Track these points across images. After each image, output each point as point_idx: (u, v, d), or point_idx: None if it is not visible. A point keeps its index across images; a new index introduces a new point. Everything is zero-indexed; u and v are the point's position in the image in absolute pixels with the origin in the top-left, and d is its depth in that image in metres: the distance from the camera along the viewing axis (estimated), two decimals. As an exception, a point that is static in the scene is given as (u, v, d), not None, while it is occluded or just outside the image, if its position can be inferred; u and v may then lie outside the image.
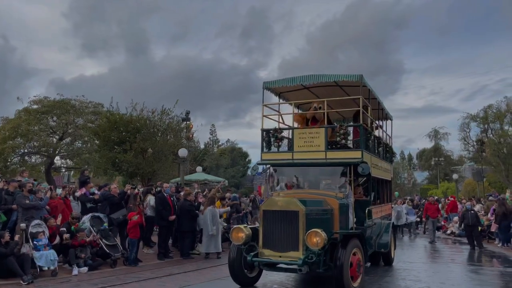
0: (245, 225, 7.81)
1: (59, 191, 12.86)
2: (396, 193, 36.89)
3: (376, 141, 10.78)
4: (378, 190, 11.15)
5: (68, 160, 36.67)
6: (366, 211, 8.92)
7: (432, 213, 18.52)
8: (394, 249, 12.00)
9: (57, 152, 34.29)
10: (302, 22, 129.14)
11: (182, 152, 23.88)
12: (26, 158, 34.44)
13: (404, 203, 22.97)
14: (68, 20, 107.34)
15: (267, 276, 9.21)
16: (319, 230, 7.03)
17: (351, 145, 9.61)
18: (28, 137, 32.32)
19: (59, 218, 10.85)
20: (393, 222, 20.50)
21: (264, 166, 9.72)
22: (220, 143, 66.40)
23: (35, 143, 33.28)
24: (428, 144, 59.98)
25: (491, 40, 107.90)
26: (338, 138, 8.91)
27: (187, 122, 30.42)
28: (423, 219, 21.21)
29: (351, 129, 9.58)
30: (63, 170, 38.65)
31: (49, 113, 33.31)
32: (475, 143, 45.58)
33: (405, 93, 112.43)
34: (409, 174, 54.48)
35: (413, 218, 22.62)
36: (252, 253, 7.79)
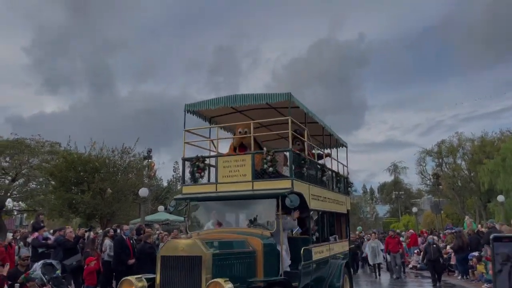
0: (139, 276, 5.76)
1: (9, 235, 12.29)
2: (359, 227, 35.21)
3: (320, 169, 9.07)
4: (325, 224, 9.36)
5: (21, 202, 33.63)
6: (302, 251, 7.02)
7: (392, 247, 16.76)
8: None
9: (9, 194, 31.40)
10: (268, 59, 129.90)
11: (143, 192, 21.75)
12: (-26, 201, 31.29)
13: (377, 237, 20.85)
14: (29, 55, 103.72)
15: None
16: (221, 281, 5.05)
17: (287, 173, 7.85)
18: (-23, 179, 29.54)
19: (6, 267, 9.08)
20: (367, 261, 18.61)
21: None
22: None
23: (-16, 185, 30.44)
24: (389, 178, 59.50)
25: (444, 78, 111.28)
26: (265, 166, 7.13)
27: (149, 161, 28.43)
28: (385, 253, 19.31)
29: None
30: (15, 213, 35.46)
31: (1, 153, 30.70)
32: (431, 177, 45.02)
33: (368, 128, 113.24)
34: (371, 208, 53.18)
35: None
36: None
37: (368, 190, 69.59)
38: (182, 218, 29.87)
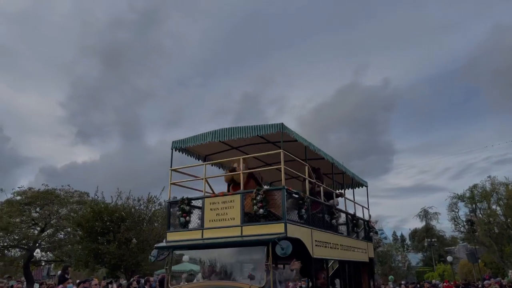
0: None
1: (36, 286, 12.09)
2: (391, 277, 32.43)
3: (327, 211, 7.75)
4: (340, 275, 7.91)
5: (48, 253, 33.13)
6: None
7: None
8: None
9: (37, 244, 31.03)
10: (294, 106, 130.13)
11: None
12: (5, 251, 31.03)
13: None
14: (64, 108, 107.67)
15: None
16: None
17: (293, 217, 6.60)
18: (8, 230, 29.31)
19: None
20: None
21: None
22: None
23: (15, 236, 30.17)
24: (419, 224, 55.69)
25: (474, 119, 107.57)
26: (254, 208, 5.94)
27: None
28: None
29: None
30: (43, 264, 34.85)
31: (32, 204, 30.73)
32: (465, 223, 41.73)
33: (396, 172, 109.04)
34: (402, 256, 49.44)
35: None
36: None
37: (399, 237, 65.53)
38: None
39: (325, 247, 7.06)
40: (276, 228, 5.75)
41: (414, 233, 57.58)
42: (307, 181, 6.79)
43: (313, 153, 7.31)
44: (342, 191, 9.26)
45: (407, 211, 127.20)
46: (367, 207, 10.50)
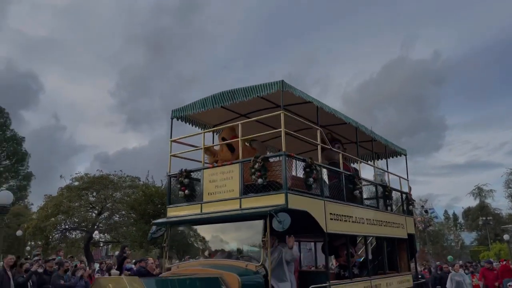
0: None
1: (96, 265, 11.93)
2: (450, 257, 30.18)
3: (349, 181, 6.65)
4: (370, 253, 6.86)
5: (106, 234, 34.30)
6: None
7: (491, 281, 12.58)
8: None
9: (95, 226, 32.19)
10: (339, 84, 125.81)
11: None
12: (67, 234, 32.47)
13: (465, 267, 16.09)
14: (114, 97, 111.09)
15: None
16: None
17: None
18: (69, 214, 30.58)
19: None
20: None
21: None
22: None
23: (75, 219, 31.46)
24: (473, 203, 51.86)
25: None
26: (253, 177, 5.03)
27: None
28: None
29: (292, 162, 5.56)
30: (101, 244, 36.15)
31: (88, 189, 31.82)
32: (523, 200, 38.17)
33: (449, 149, 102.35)
34: (455, 235, 46.31)
35: None
36: None
37: (451, 216, 61.61)
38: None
39: (344, 221, 6.02)
40: (276, 199, 4.84)
41: (467, 212, 53.84)
42: (319, 147, 5.76)
43: (330, 116, 6.23)
44: (369, 160, 8.07)
45: (460, 189, 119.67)
46: (406, 178, 9.18)
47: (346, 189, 6.43)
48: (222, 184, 5.34)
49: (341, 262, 7.21)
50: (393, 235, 7.91)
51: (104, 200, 31.36)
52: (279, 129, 5.11)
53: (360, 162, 7.59)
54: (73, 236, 33.20)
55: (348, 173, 6.71)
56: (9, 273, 8.53)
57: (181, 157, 6.20)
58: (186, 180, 5.70)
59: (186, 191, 5.69)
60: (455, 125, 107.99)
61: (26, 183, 37.43)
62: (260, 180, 4.90)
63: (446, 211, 63.14)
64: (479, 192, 49.11)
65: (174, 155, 6.08)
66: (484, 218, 45.06)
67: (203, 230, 5.61)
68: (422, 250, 42.27)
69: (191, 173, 5.76)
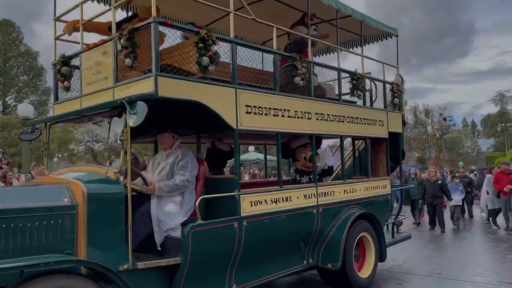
0: None
1: None
2: (460, 163, 28.86)
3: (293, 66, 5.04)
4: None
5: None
6: (197, 203, 3.52)
7: (503, 186, 10.66)
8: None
9: None
10: None
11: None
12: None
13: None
14: None
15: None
16: None
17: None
18: None
19: None
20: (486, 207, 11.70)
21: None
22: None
23: None
24: (494, 110, 48.64)
25: None
26: (121, 57, 3.60)
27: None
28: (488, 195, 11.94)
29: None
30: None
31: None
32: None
33: (475, 54, 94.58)
34: (472, 142, 44.32)
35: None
36: None
37: (469, 124, 58.71)
38: (270, 157, 27.25)
39: (274, 115, 4.61)
40: (147, 86, 3.46)
41: (486, 119, 50.96)
42: (231, 16, 4.11)
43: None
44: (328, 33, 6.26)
45: (482, 96, 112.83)
46: (396, 65, 7.39)
47: (285, 76, 4.91)
48: (98, 71, 3.99)
49: (298, 166, 5.99)
50: (364, 133, 6.39)
51: None
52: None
53: (341, 50, 5.90)
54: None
55: (285, 54, 5.06)
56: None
57: (70, 41, 4.76)
58: (64, 69, 4.38)
59: (66, 83, 4.40)
60: (485, 29, 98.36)
61: (46, 97, 37.19)
62: (127, 60, 3.49)
63: (464, 119, 60.04)
64: (501, 98, 45.70)
65: (59, 38, 4.66)
66: (503, 124, 42.54)
67: (81, 132, 4.43)
68: (438, 156, 40.98)
69: (71, 60, 4.40)
